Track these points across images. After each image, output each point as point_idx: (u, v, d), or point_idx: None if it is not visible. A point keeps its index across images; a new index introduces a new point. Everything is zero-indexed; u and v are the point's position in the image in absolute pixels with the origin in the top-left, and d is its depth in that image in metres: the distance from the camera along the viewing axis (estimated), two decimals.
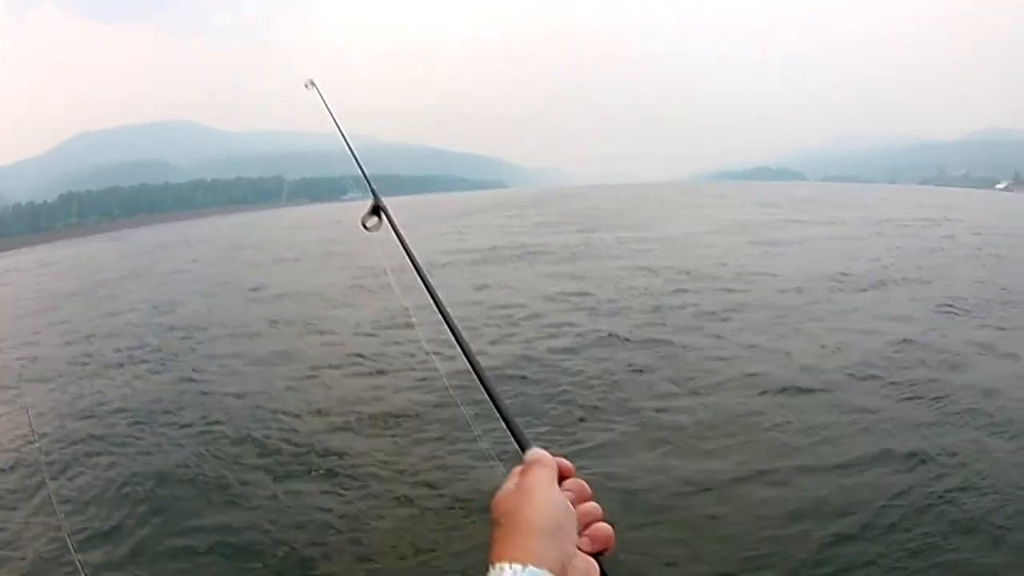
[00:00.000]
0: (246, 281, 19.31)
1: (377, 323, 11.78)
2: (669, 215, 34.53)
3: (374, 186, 1.64)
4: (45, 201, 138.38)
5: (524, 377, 8.16)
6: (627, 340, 9.61)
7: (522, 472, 0.69)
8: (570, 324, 10.89)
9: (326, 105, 2.31)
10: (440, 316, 1.09)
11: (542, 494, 0.64)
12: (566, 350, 9.27)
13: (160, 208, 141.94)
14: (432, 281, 1.17)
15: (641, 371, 8.24)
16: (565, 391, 7.57)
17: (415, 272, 1.31)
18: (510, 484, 0.68)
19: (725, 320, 10.75)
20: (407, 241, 1.42)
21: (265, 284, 18.32)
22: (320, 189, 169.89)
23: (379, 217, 1.46)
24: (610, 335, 9.87)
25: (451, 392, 1.30)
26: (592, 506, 0.70)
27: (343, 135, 2.10)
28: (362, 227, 1.44)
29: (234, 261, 27.34)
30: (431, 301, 1.14)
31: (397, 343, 10.21)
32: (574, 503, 0.68)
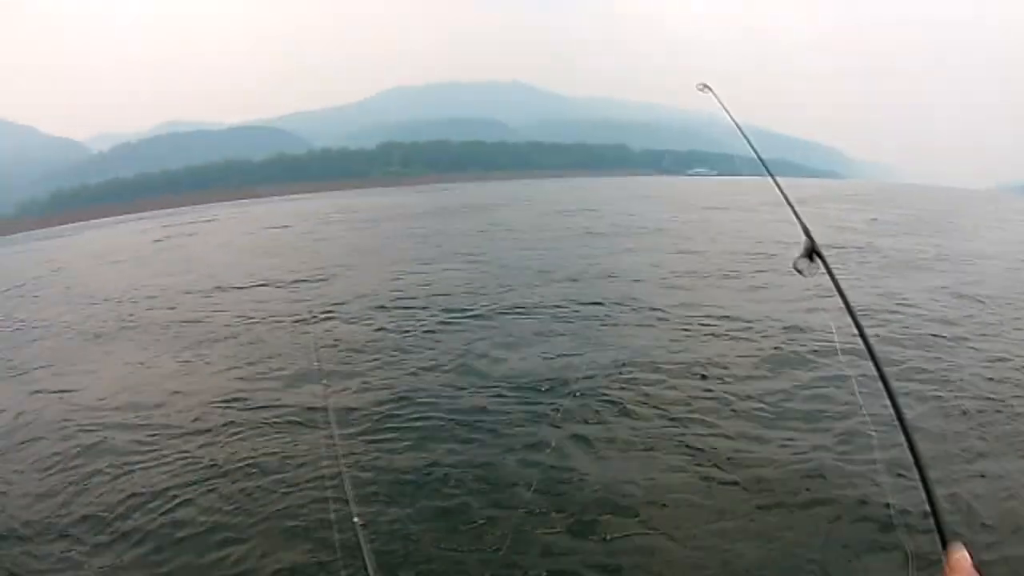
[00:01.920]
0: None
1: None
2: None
3: (806, 228, 1.50)
4: (362, 148, 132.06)
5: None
6: None
7: None
8: None
9: (724, 107, 2.31)
10: (882, 386, 1.02)
11: None
12: None
13: (495, 166, 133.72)
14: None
15: None
16: None
17: (850, 318, 1.21)
18: None
19: None
20: (844, 290, 1.31)
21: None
22: (665, 161, 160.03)
23: (813, 260, 1.40)
24: None
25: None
26: None
27: (743, 134, 2.18)
28: (794, 271, 1.38)
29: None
30: (873, 367, 1.08)
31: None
32: None
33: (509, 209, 35.91)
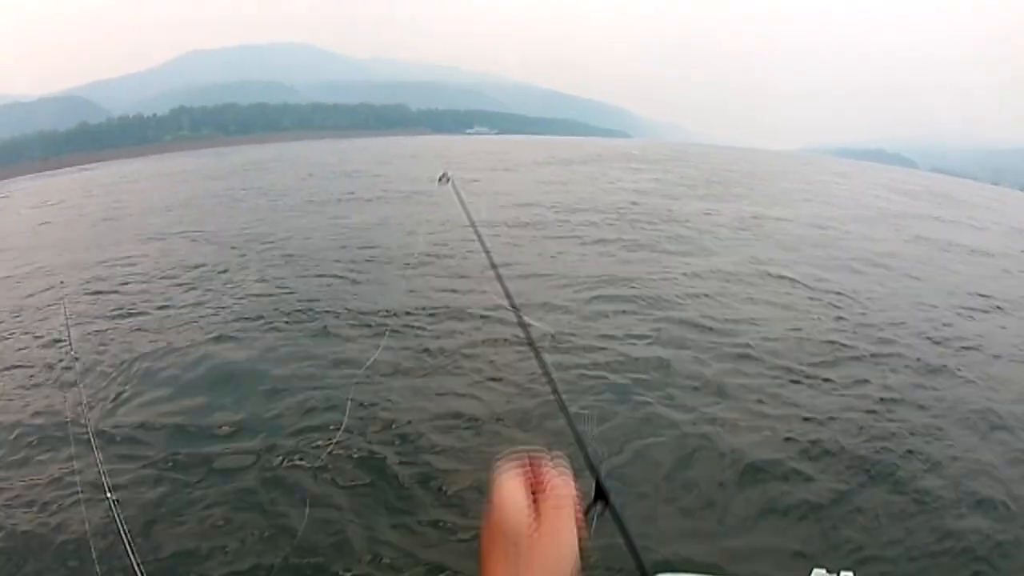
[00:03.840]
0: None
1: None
2: (797, 190, 29.74)
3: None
4: (155, 114, 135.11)
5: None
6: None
7: (552, 502, 0.68)
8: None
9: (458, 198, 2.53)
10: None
11: (568, 548, 0.66)
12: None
13: (278, 127, 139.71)
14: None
15: None
16: None
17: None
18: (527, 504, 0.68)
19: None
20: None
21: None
22: (445, 121, 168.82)
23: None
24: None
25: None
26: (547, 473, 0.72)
27: None
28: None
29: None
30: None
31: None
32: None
33: (271, 174, 35.25)
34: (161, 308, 10.16)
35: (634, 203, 21.30)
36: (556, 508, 0.68)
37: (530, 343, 1.12)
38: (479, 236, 1.78)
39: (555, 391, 0.95)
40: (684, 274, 12.11)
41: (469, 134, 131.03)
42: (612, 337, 8.56)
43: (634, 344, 8.33)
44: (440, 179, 2.66)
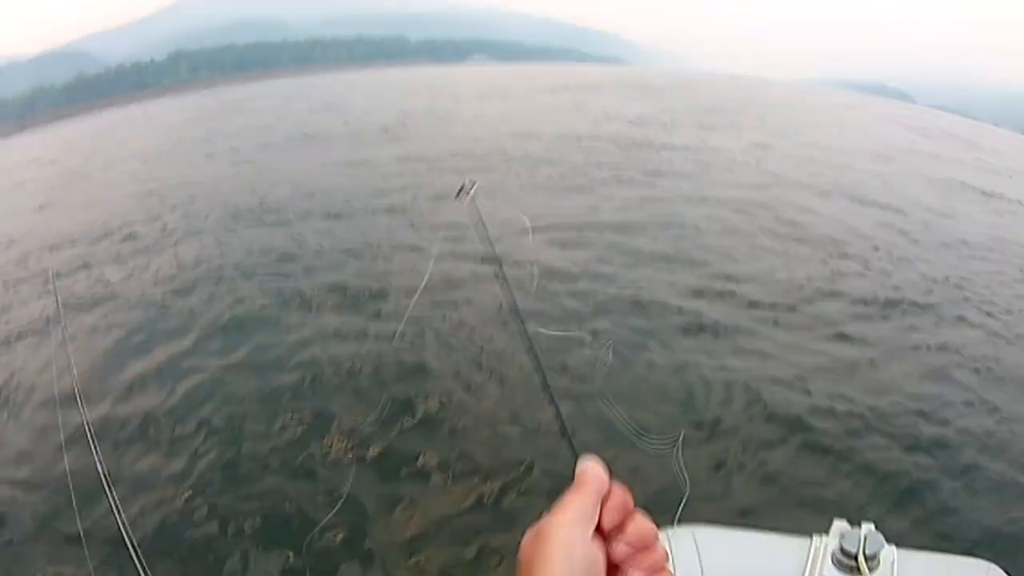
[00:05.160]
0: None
1: None
2: (804, 122, 27.05)
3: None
4: (152, 59, 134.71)
5: None
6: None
7: (554, 510, 0.59)
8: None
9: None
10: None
11: (562, 550, 0.56)
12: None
13: (276, 65, 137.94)
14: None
15: None
16: None
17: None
18: (542, 524, 0.59)
19: None
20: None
21: None
22: (445, 51, 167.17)
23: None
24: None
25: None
26: (639, 525, 0.60)
27: None
28: None
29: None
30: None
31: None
32: (613, 532, 0.59)
33: (262, 112, 33.97)
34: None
35: (623, 132, 20.16)
36: None
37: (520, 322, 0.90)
38: (504, 279, 0.97)
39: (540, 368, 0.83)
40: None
41: (467, 63, 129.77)
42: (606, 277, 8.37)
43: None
44: (459, 193, 1.54)
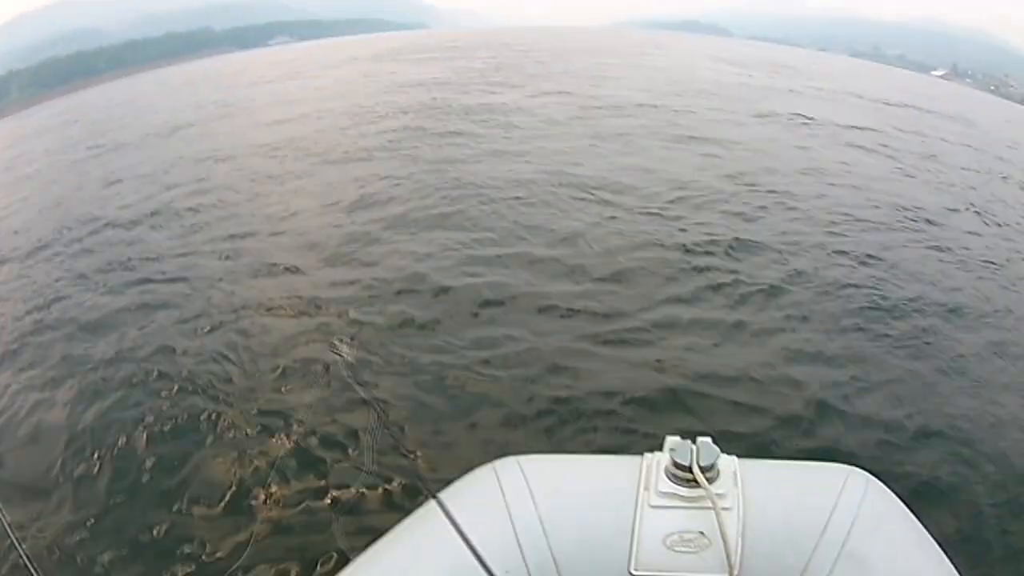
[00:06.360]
0: None
1: None
2: (624, 67, 25.68)
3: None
4: None
5: None
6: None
7: None
8: None
9: None
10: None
11: None
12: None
13: (95, 72, 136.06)
14: None
15: None
16: None
17: None
18: None
19: None
20: None
21: None
22: (249, 36, 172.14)
23: None
24: None
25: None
26: None
27: None
28: None
29: None
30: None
31: None
32: None
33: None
34: None
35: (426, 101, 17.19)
36: None
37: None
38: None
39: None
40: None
41: (271, 45, 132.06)
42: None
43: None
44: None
